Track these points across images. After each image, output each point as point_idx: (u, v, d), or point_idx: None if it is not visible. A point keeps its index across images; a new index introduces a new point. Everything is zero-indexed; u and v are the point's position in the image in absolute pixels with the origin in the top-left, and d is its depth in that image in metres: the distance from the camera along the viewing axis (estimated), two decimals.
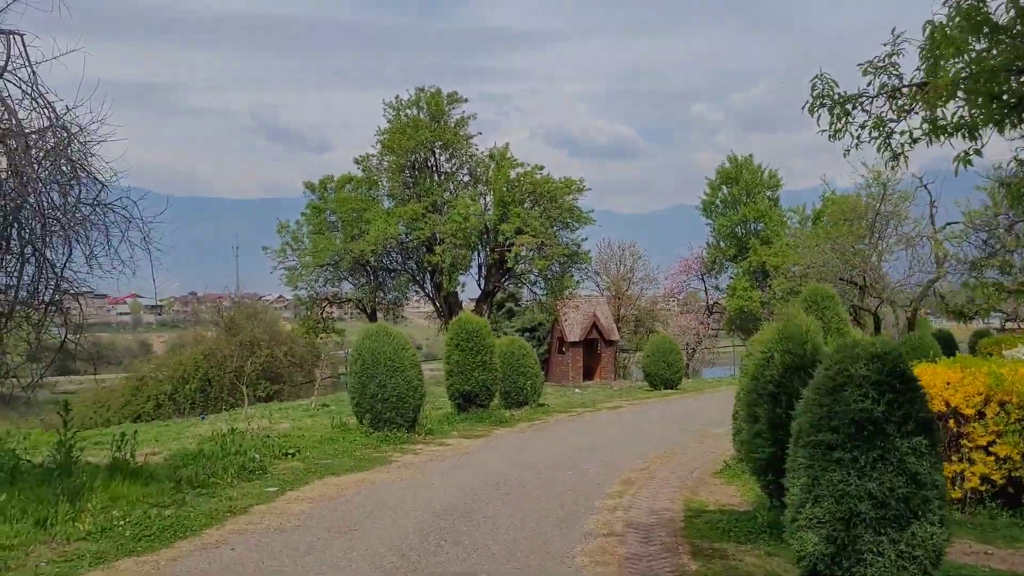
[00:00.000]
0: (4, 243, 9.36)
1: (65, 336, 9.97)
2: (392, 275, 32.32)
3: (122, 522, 8.35)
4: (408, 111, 30.09)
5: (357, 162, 30.65)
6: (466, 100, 30.50)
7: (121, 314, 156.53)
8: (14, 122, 9.12)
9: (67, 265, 9.72)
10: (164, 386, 34.28)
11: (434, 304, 31.88)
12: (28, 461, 11.22)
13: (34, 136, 9.33)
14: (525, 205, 29.60)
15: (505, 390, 19.64)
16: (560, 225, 29.90)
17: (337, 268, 31.38)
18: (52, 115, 9.46)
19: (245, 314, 37.80)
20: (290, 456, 13.12)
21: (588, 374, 35.28)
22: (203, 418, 21.91)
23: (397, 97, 30.31)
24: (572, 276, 30.74)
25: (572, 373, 34.31)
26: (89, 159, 9.81)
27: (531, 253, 29.17)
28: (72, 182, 9.68)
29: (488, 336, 18.12)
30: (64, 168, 9.66)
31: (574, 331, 34.31)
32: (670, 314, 47.77)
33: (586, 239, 30.96)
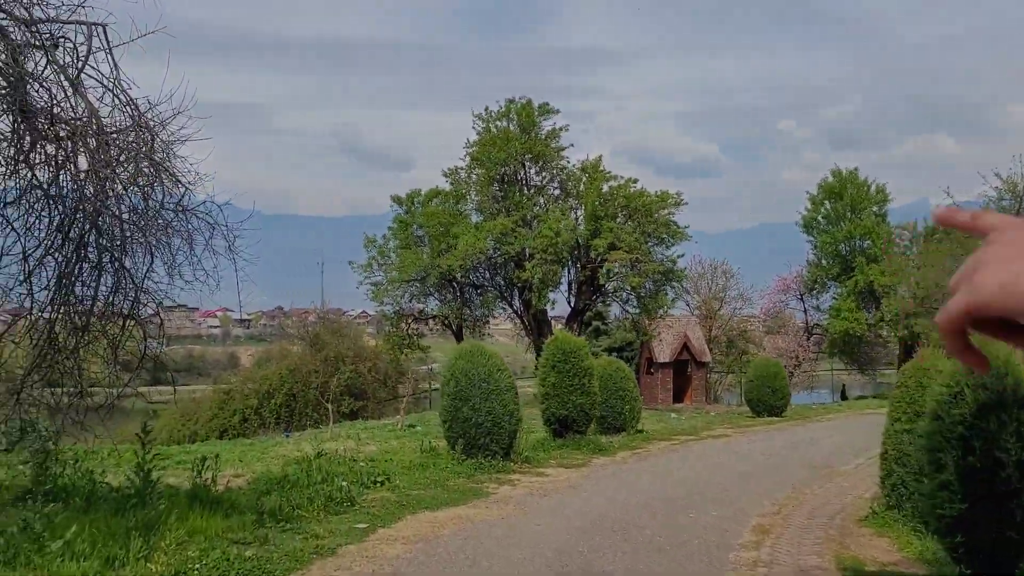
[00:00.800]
0: (81, 251, 8.61)
1: (144, 352, 9.18)
2: (479, 291, 31.39)
3: (198, 564, 7.40)
4: (498, 123, 29.22)
5: (446, 175, 29.96)
6: (557, 111, 29.50)
7: (211, 327, 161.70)
8: (95, 122, 8.38)
9: (147, 275, 8.93)
10: (250, 400, 34.13)
11: (522, 321, 30.80)
12: (106, 484, 10.51)
13: (115, 135, 8.58)
14: (618, 220, 28.30)
15: (601, 415, 18.31)
16: (654, 240, 28.46)
17: (423, 284, 30.64)
18: (135, 112, 8.70)
19: (330, 329, 37.62)
20: (379, 485, 12.10)
21: (678, 396, 33.65)
22: (288, 436, 21.28)
23: (487, 108, 29.53)
24: (666, 294, 29.20)
25: (661, 395, 32.70)
26: (172, 160, 9.03)
27: (624, 270, 27.80)
28: (154, 184, 8.89)
29: (587, 357, 16.86)
30: (146, 170, 8.89)
31: (664, 351, 32.73)
32: (762, 335, 45.64)
33: (682, 255, 29.46)
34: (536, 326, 29.21)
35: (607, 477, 13.66)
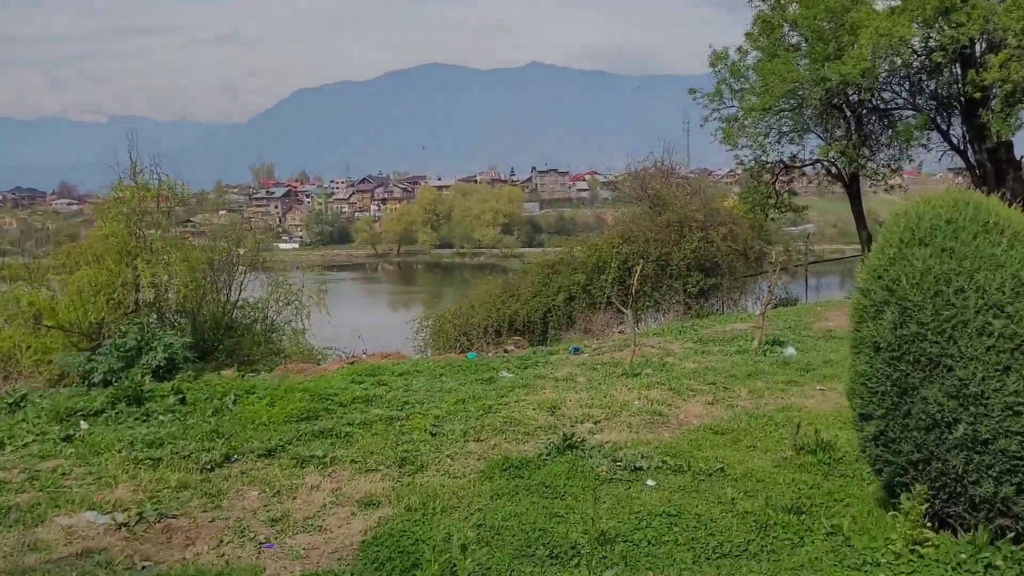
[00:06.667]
0: None
1: None
2: (887, 120, 20.43)
3: None
4: None
5: None
6: None
7: (580, 190, 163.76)
8: None
9: None
10: (577, 276, 27.19)
11: (966, 162, 19.26)
12: None
13: None
14: None
15: None
16: None
17: (797, 113, 20.56)
18: None
19: (675, 187, 29.32)
20: None
21: None
22: (576, 351, 13.69)
23: None
24: None
25: None
26: None
27: None
28: None
29: None
30: None
31: None
32: None
33: None
34: (994, 171, 17.72)
35: None
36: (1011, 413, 4.37)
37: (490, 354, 18.14)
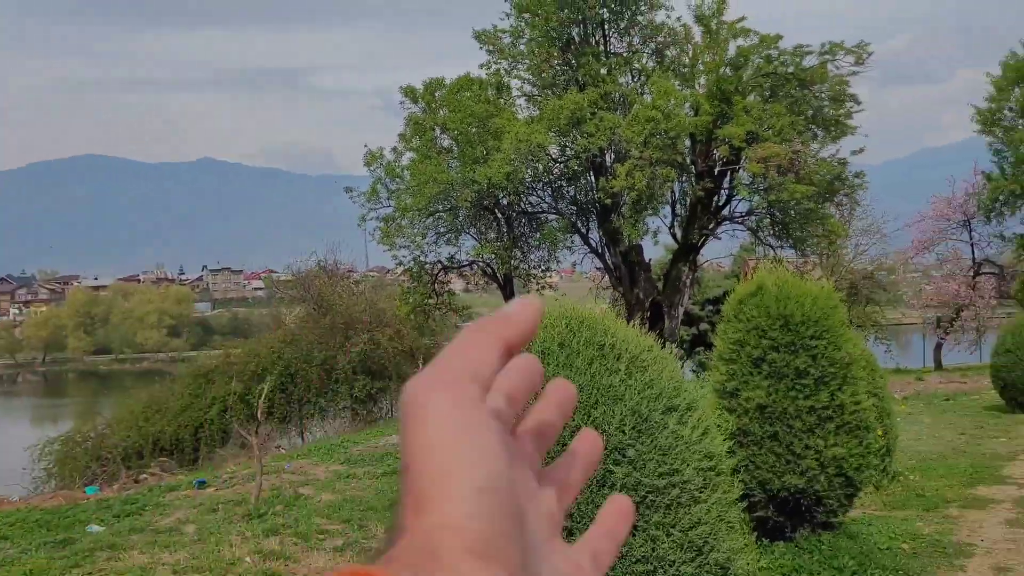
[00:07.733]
0: None
1: None
2: (534, 222, 21.20)
3: None
4: None
5: (480, 39, 19.22)
6: None
7: (256, 289, 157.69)
8: None
9: None
10: (233, 385, 24.52)
11: (604, 264, 20.42)
12: None
13: None
14: (752, 97, 17.75)
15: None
16: (817, 128, 17.83)
17: (452, 215, 20.62)
18: None
19: (339, 288, 28.20)
20: None
21: None
22: (200, 485, 11.55)
23: None
24: (830, 215, 18.64)
25: None
26: None
27: (771, 174, 17.25)
28: None
29: (844, 332, 6.56)
30: None
31: None
32: (912, 279, 35.35)
33: (861, 150, 18.69)
34: (628, 272, 18.86)
35: None
36: None
37: (115, 487, 15.33)
